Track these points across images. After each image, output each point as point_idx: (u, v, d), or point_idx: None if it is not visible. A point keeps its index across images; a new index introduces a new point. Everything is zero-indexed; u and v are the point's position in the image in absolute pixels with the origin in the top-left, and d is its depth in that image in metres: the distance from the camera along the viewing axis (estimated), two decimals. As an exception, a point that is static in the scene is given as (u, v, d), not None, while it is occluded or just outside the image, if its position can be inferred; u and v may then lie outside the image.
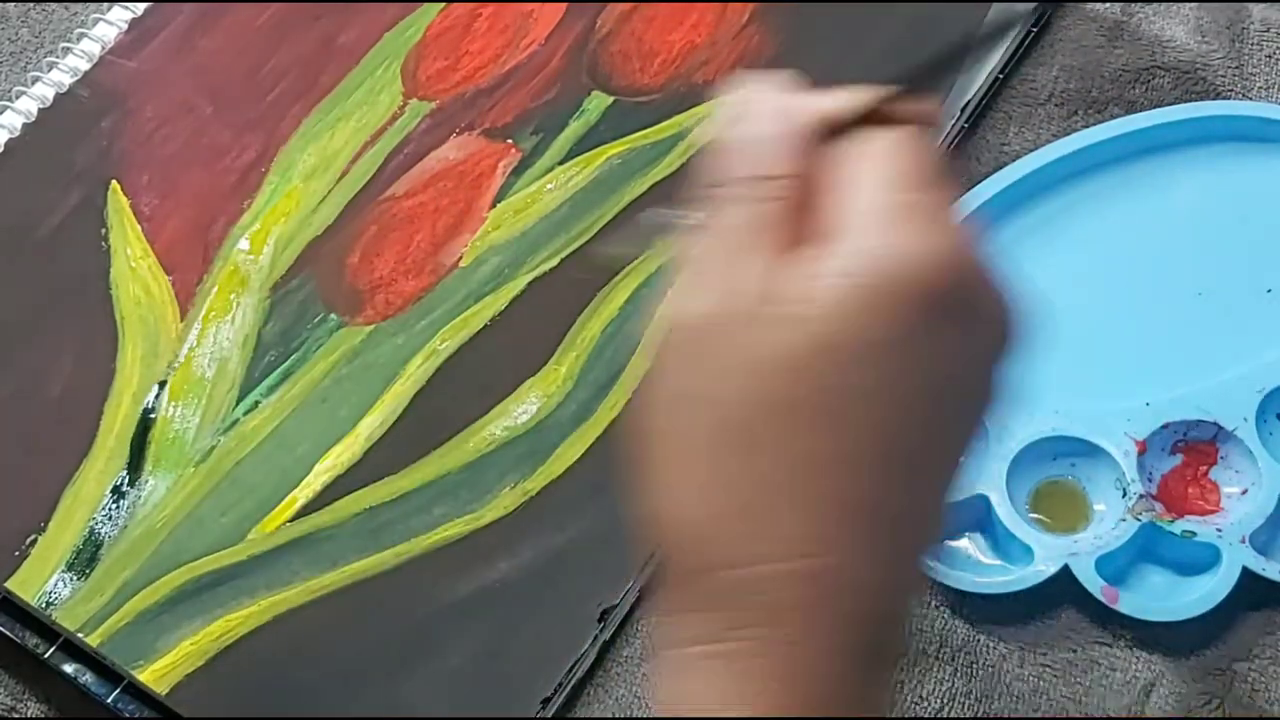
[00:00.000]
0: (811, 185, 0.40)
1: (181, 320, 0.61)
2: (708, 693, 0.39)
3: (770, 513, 0.38)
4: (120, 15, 0.68)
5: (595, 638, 0.56)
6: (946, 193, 0.40)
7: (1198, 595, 0.55)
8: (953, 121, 0.66)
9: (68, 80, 0.66)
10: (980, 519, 0.58)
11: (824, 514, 0.38)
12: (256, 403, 0.59)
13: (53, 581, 0.56)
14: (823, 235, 0.39)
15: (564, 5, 0.69)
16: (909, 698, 0.56)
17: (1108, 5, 0.70)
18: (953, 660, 0.56)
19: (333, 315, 0.62)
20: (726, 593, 0.38)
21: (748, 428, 0.38)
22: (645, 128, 0.66)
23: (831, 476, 0.38)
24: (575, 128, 0.66)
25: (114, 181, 0.64)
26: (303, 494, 0.58)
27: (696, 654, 0.39)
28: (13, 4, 0.71)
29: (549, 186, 0.65)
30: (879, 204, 0.39)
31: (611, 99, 0.67)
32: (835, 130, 0.41)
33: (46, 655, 0.55)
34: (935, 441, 0.40)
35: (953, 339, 0.39)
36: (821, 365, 0.38)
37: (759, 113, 0.42)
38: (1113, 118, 0.66)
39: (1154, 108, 0.66)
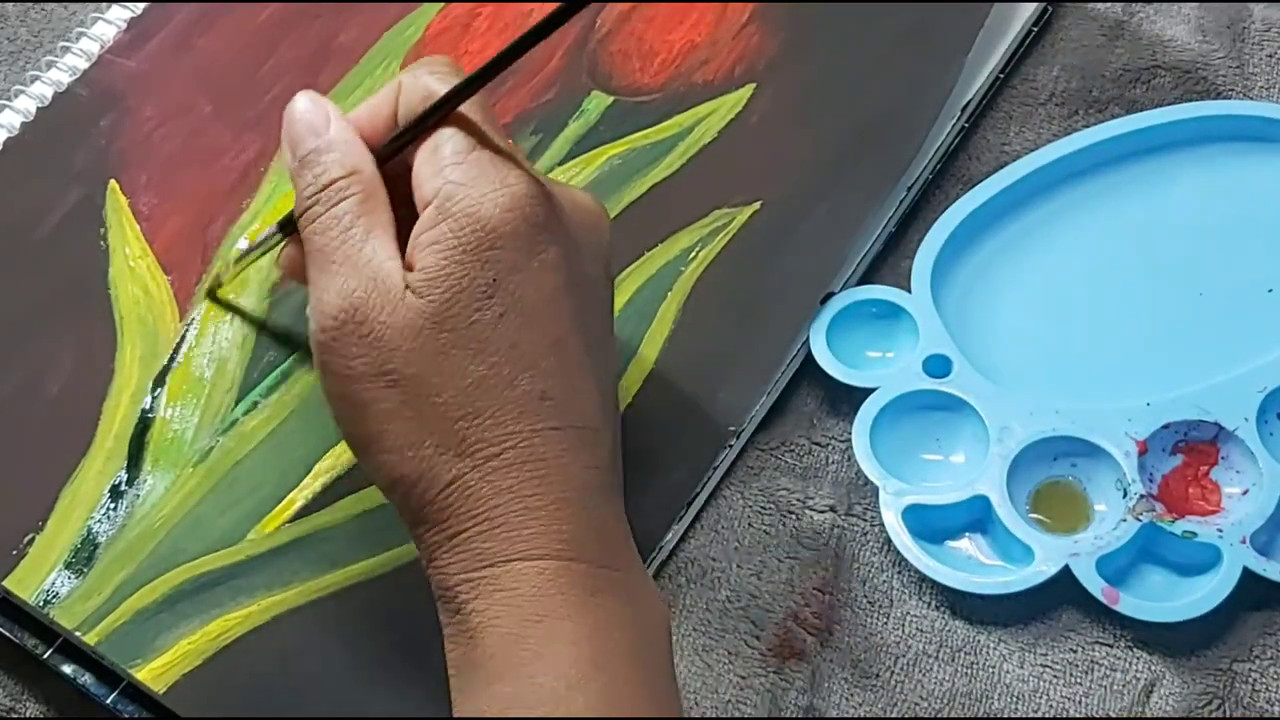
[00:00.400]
0: (387, 174, 0.52)
1: (180, 320, 0.61)
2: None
3: (479, 419, 0.48)
4: (119, 14, 0.68)
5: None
6: (486, 151, 0.50)
7: (1198, 596, 0.55)
8: (953, 121, 0.66)
9: (66, 79, 0.66)
10: (980, 519, 0.58)
11: (520, 411, 0.49)
12: (255, 403, 0.59)
13: (51, 580, 0.55)
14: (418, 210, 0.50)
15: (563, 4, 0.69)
16: (909, 698, 0.56)
17: (1108, 5, 0.70)
18: (953, 660, 0.56)
19: (332, 315, 0.61)
20: (480, 489, 0.48)
21: (425, 379, 0.49)
22: (645, 128, 0.66)
23: (514, 383, 0.49)
24: (575, 128, 0.66)
25: (113, 181, 0.64)
26: (302, 495, 0.58)
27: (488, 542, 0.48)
28: (11, 3, 0.71)
29: (549, 186, 0.65)
30: (435, 180, 0.50)
31: (611, 99, 0.67)
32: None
33: (45, 656, 0.55)
34: (580, 323, 0.50)
35: (541, 249, 0.49)
36: (455, 317, 0.49)
37: (305, 123, 0.53)
38: (1113, 117, 0.66)
39: (1155, 107, 0.66)
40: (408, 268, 0.49)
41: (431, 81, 0.52)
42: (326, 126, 0.52)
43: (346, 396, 0.50)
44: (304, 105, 0.53)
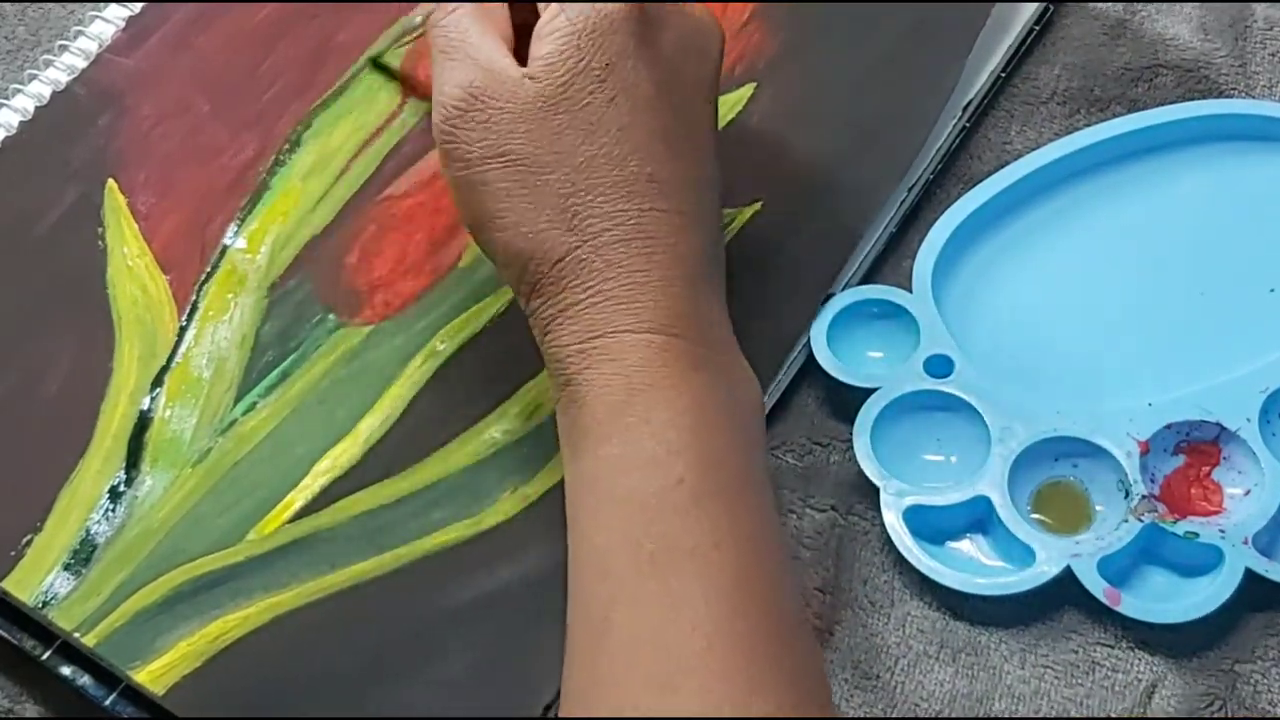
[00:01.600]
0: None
1: (179, 319, 0.61)
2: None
3: (590, 196, 0.52)
4: (117, 13, 0.68)
5: (595, 639, 0.56)
6: None
7: (1200, 597, 0.55)
8: (955, 120, 0.66)
9: (65, 78, 0.66)
10: (982, 520, 0.58)
11: (629, 190, 0.52)
12: (254, 403, 0.59)
13: (49, 581, 0.55)
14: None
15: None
16: (910, 698, 0.55)
17: (1110, 4, 0.70)
18: (954, 661, 0.56)
19: (331, 315, 0.61)
20: (592, 262, 0.52)
21: (540, 158, 0.52)
22: (645, 127, 0.66)
23: (623, 164, 0.52)
24: (575, 126, 0.66)
25: (111, 180, 0.64)
26: (301, 495, 0.57)
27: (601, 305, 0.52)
28: (10, 2, 0.70)
29: (548, 186, 0.64)
30: None
31: (611, 97, 0.66)
32: None
33: (44, 657, 0.55)
34: (684, 121, 0.54)
35: (653, 43, 0.53)
36: (569, 99, 0.52)
37: None
38: (1115, 116, 0.66)
39: (1157, 107, 0.66)
40: (531, 58, 0.53)
41: None
42: None
43: (466, 179, 0.53)
44: None
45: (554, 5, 0.53)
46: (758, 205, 0.64)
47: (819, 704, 0.49)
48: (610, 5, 0.53)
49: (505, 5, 0.56)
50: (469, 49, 0.54)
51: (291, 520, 0.57)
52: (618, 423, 0.51)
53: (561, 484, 0.56)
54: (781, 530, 0.54)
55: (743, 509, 0.50)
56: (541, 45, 0.53)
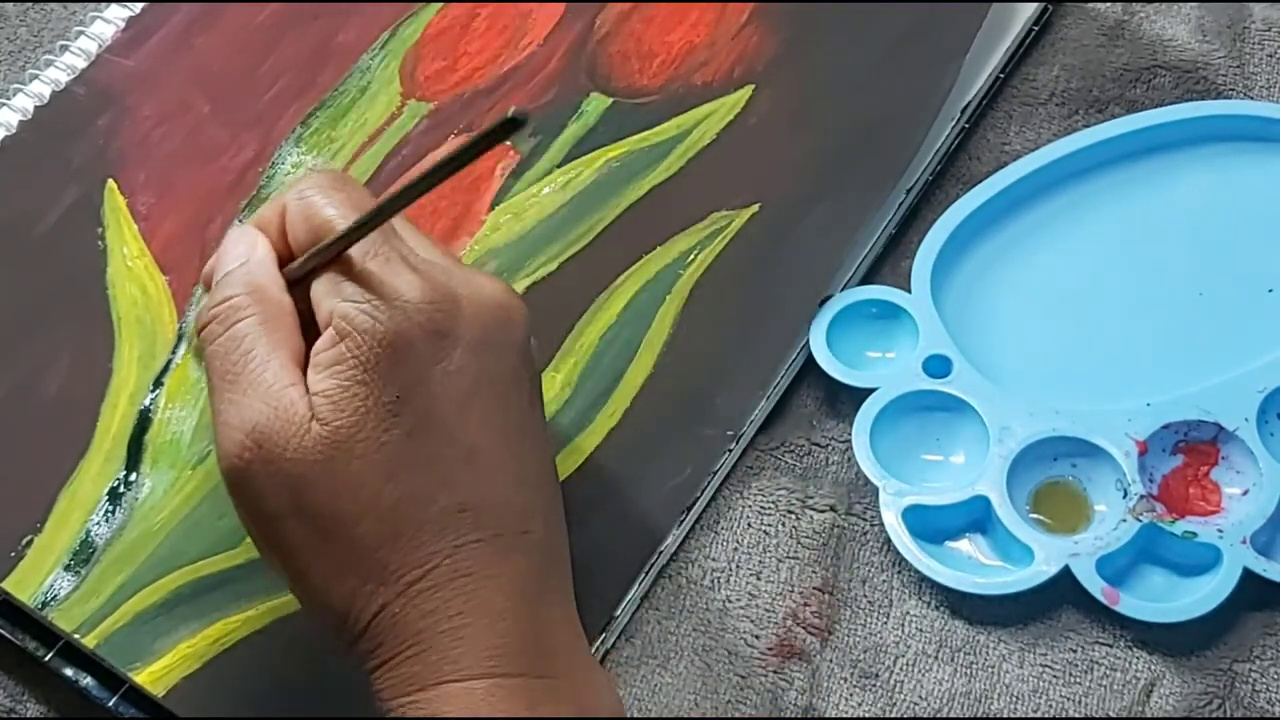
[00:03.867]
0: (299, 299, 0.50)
1: (179, 320, 0.61)
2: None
3: (399, 543, 0.47)
4: (118, 14, 0.68)
5: (596, 647, 0.55)
6: (381, 260, 0.48)
7: (1199, 596, 0.55)
8: (953, 121, 0.66)
9: (65, 79, 0.66)
10: (980, 520, 0.58)
11: (441, 529, 0.47)
12: (254, 403, 0.59)
13: (49, 582, 0.55)
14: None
15: (562, 6, 0.69)
16: (909, 697, 0.56)
17: (1109, 5, 0.70)
18: (952, 660, 0.56)
19: (331, 315, 0.61)
20: (407, 614, 0.47)
21: (341, 511, 0.47)
22: (644, 129, 0.66)
23: (431, 501, 0.47)
24: (574, 130, 0.66)
25: (111, 180, 0.64)
26: (301, 495, 0.57)
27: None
28: (10, 2, 0.70)
29: (547, 190, 0.65)
30: (331, 298, 0.48)
31: (610, 100, 0.67)
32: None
33: (46, 658, 0.55)
34: (493, 429, 0.49)
35: (447, 357, 0.48)
36: (363, 442, 0.47)
37: (232, 249, 0.51)
38: (1114, 117, 0.66)
39: (1155, 107, 0.66)
40: (310, 393, 0.48)
41: (320, 204, 0.50)
42: (250, 252, 0.51)
43: (264, 536, 0.49)
44: (230, 235, 0.52)
45: (331, 329, 0.48)
46: (756, 207, 0.64)
47: None
48: (393, 327, 0.47)
49: (290, 307, 0.50)
50: (251, 377, 0.48)
51: (291, 520, 0.57)
52: None
53: (561, 485, 0.57)
54: None
55: None
56: (322, 378, 0.47)
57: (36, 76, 0.66)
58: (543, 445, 0.51)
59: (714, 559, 0.58)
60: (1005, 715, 0.55)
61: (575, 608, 0.50)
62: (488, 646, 0.47)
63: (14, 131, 0.65)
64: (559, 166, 0.65)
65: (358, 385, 0.47)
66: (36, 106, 0.65)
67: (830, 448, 0.60)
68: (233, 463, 0.48)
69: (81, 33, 0.67)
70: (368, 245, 0.49)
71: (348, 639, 0.48)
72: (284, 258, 0.51)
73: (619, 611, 0.56)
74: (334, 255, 0.49)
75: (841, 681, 0.56)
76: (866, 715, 0.55)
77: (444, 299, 0.48)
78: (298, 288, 0.50)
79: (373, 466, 0.47)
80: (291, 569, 0.48)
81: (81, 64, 0.67)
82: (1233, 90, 0.68)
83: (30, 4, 0.70)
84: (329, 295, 0.48)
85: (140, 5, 0.68)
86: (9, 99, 0.66)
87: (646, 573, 0.57)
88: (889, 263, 0.64)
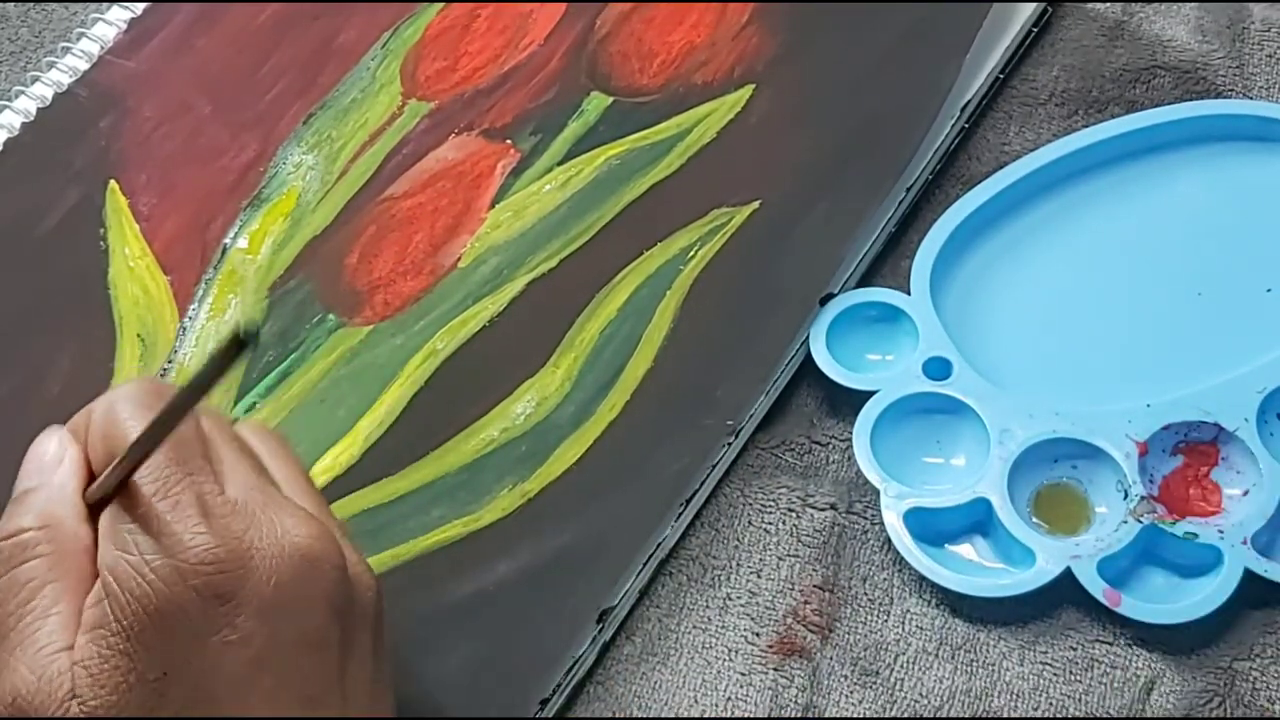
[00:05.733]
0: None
1: (180, 320, 0.61)
2: None
3: None
4: (119, 15, 0.68)
5: (594, 639, 0.56)
6: (168, 502, 0.42)
7: (1200, 597, 0.55)
8: (953, 121, 0.66)
9: (66, 80, 0.66)
10: (981, 522, 0.58)
11: None
12: (254, 404, 0.59)
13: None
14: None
15: (563, 5, 0.69)
16: (909, 695, 0.56)
17: (1108, 5, 0.70)
18: (953, 658, 0.56)
19: (331, 315, 0.61)
20: None
21: None
22: (644, 128, 0.66)
23: None
24: (574, 128, 0.66)
25: (112, 181, 0.64)
26: (301, 494, 0.57)
27: None
28: (12, 4, 0.71)
29: (548, 187, 0.65)
30: (104, 544, 0.42)
31: (610, 99, 0.67)
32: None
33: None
34: (294, 696, 0.42)
35: (228, 623, 0.41)
36: (131, 715, 0.40)
37: (36, 460, 0.45)
38: (1113, 117, 0.66)
39: (1155, 107, 0.66)
40: (73, 661, 0.41)
41: (124, 417, 0.44)
42: (54, 470, 0.45)
43: None
44: (39, 439, 0.47)
45: (101, 582, 0.41)
46: (756, 205, 0.64)
47: None
48: (163, 590, 0.41)
49: (88, 543, 0.43)
50: (24, 633, 0.42)
51: (292, 520, 0.57)
52: None
53: (560, 479, 0.57)
54: None
55: None
56: (83, 643, 0.41)
57: (38, 78, 0.66)
58: (360, 698, 0.45)
59: (714, 557, 0.58)
60: (1005, 713, 0.55)
61: None
62: None
63: (16, 133, 0.65)
64: (559, 164, 0.65)
65: (119, 656, 0.41)
66: (38, 108, 0.66)
67: (831, 446, 0.60)
68: None
69: (83, 34, 0.68)
70: (160, 481, 0.42)
71: None
72: (98, 470, 0.45)
73: (617, 602, 0.56)
74: (123, 478, 0.43)
75: (842, 679, 0.56)
76: (867, 713, 0.55)
77: (230, 557, 0.42)
78: (100, 512, 0.44)
79: None
80: None
81: (83, 65, 0.67)
82: (1232, 90, 0.68)
83: (31, 5, 0.71)
84: (104, 538, 0.42)
85: (141, 6, 0.68)
86: (11, 100, 0.66)
87: (645, 564, 0.57)
88: (889, 262, 0.64)
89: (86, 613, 0.42)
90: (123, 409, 0.44)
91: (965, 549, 0.58)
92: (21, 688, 0.41)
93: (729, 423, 0.59)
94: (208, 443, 0.45)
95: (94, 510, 0.44)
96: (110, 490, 0.43)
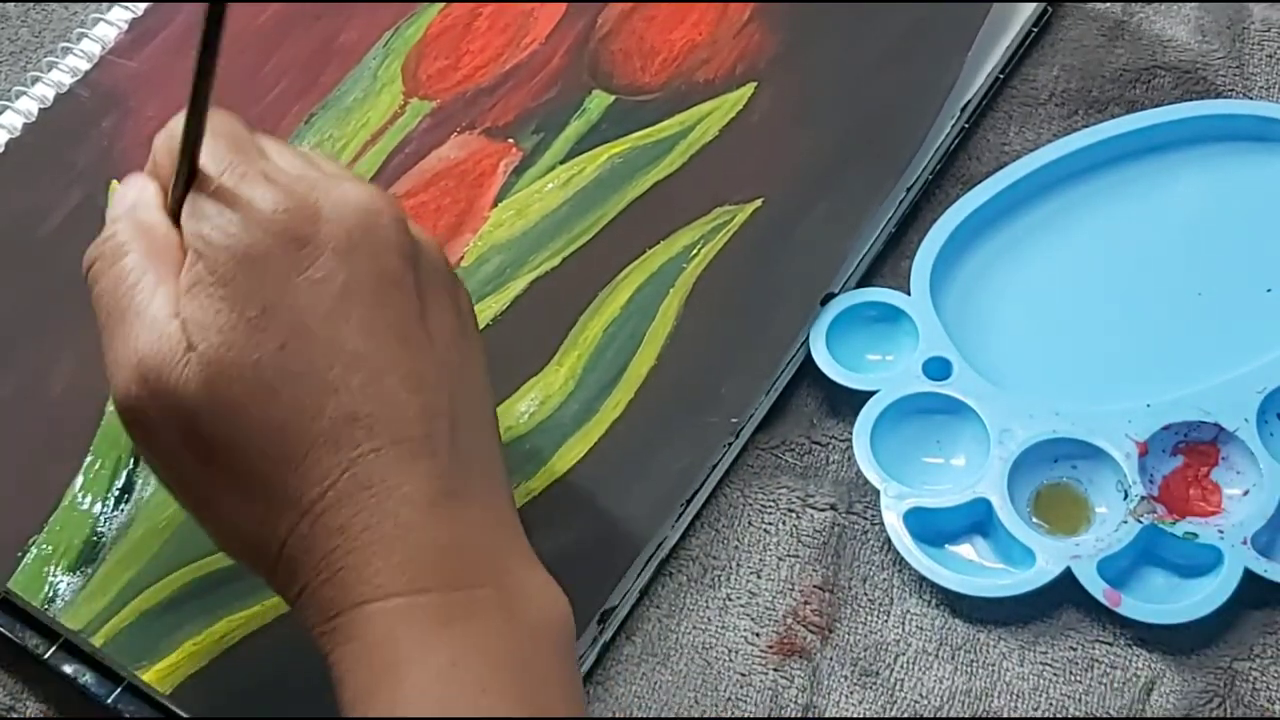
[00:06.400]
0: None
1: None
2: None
3: (295, 463, 0.46)
4: (120, 15, 0.68)
5: (595, 638, 0.56)
6: (235, 175, 0.48)
7: (1200, 597, 0.55)
8: (953, 121, 0.66)
9: (68, 80, 0.66)
10: (981, 522, 0.58)
11: (335, 442, 0.45)
12: (258, 403, 0.59)
13: (54, 582, 0.56)
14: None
15: (564, 4, 0.69)
16: (909, 695, 0.56)
17: (1108, 5, 0.70)
18: (953, 658, 0.56)
19: (334, 315, 0.61)
20: (315, 535, 0.45)
21: (232, 439, 0.46)
22: (646, 126, 0.66)
23: (320, 414, 0.46)
24: (576, 126, 0.66)
25: (114, 181, 0.64)
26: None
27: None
28: (13, 4, 0.71)
29: (550, 186, 0.65)
30: (188, 221, 0.48)
31: (612, 98, 0.67)
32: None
33: (46, 656, 0.55)
34: (375, 333, 0.47)
35: (311, 262, 0.46)
36: (236, 364, 0.45)
37: (122, 190, 0.51)
38: (1113, 117, 0.66)
39: (1155, 107, 0.66)
40: (181, 319, 0.46)
41: (176, 128, 0.49)
42: (136, 196, 0.50)
43: (166, 474, 0.48)
44: (119, 186, 0.52)
45: (191, 250, 0.47)
46: (757, 204, 0.64)
47: None
48: (247, 239, 0.46)
49: (178, 240, 0.48)
50: (138, 309, 0.47)
51: (295, 520, 0.57)
52: (370, 710, 0.44)
53: (563, 478, 0.57)
54: None
55: None
56: (187, 304, 0.46)
57: (39, 78, 0.66)
58: (447, 344, 0.49)
59: (714, 557, 0.58)
60: (1005, 713, 0.56)
61: (506, 505, 0.49)
62: (400, 562, 0.45)
63: (17, 134, 0.65)
64: (562, 163, 0.65)
65: (219, 302, 0.46)
66: (40, 108, 0.66)
67: (831, 446, 0.60)
68: (125, 401, 0.47)
69: (84, 34, 0.68)
70: (224, 164, 0.48)
71: (263, 569, 0.47)
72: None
73: (617, 602, 0.56)
74: (187, 174, 0.48)
75: (842, 680, 0.56)
76: (867, 713, 0.56)
77: (301, 207, 0.47)
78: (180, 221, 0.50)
79: (251, 387, 0.45)
80: (198, 506, 0.48)
81: (84, 66, 0.67)
82: (1232, 90, 0.68)
83: (32, 5, 0.70)
84: (187, 219, 0.48)
85: (143, 6, 0.68)
86: (12, 101, 0.66)
87: (647, 563, 0.57)
88: (889, 262, 0.64)
89: (183, 279, 0.47)
90: (173, 124, 0.49)
91: (965, 549, 0.58)
92: (144, 350, 0.46)
93: (733, 420, 0.60)
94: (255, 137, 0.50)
95: (175, 221, 0.49)
96: (181, 187, 0.48)
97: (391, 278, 0.47)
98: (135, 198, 0.50)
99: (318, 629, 0.46)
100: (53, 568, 0.56)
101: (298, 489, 0.45)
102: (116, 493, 0.57)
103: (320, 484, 0.45)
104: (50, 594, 0.55)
